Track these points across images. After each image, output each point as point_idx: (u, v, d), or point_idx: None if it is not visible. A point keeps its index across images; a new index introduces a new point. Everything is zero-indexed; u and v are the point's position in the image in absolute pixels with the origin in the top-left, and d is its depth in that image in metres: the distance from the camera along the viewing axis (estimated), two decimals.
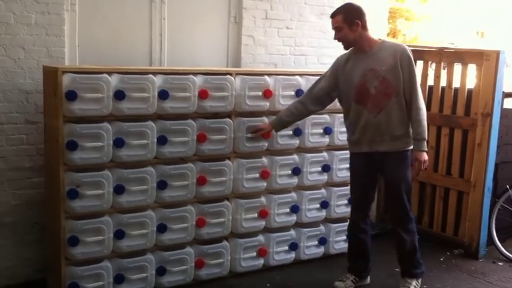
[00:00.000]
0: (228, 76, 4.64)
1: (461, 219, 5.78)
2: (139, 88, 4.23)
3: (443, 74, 5.96)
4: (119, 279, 4.32)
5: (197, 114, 4.54)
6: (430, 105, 5.95)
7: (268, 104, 4.83)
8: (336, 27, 4.38)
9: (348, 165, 4.87)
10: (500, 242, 5.69)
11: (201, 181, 4.57)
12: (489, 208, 5.62)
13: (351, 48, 4.46)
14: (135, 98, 4.22)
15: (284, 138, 4.92)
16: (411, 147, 4.40)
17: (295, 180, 5.06)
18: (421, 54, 6.06)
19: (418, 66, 6.06)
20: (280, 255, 5.09)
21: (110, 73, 4.15)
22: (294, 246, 5.12)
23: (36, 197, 4.50)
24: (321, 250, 5.32)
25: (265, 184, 4.91)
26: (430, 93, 6.00)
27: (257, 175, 4.84)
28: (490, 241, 5.67)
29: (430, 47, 6.43)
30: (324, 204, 5.23)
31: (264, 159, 4.87)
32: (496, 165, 5.67)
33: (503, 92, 5.55)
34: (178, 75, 4.43)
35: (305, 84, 4.96)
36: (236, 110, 4.70)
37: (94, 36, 4.71)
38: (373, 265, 4.86)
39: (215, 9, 5.29)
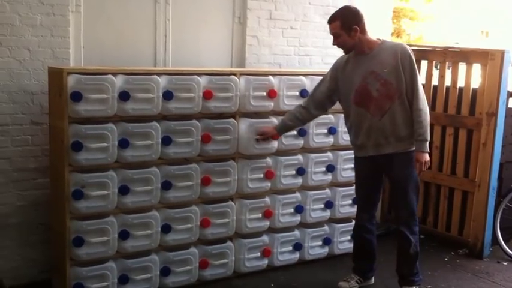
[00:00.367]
0: (233, 76, 4.64)
1: (466, 219, 5.77)
2: (144, 89, 4.24)
3: (448, 73, 5.95)
4: (124, 279, 4.32)
5: (201, 114, 4.55)
6: (434, 105, 5.95)
7: (272, 104, 4.83)
8: (334, 34, 4.34)
9: (352, 165, 4.87)
10: (505, 242, 5.68)
11: (206, 181, 4.58)
12: (494, 208, 5.61)
13: None
14: (139, 99, 4.23)
15: (288, 138, 4.92)
16: None
17: (299, 181, 5.07)
18: (425, 53, 6.06)
19: (423, 66, 6.06)
20: (285, 255, 5.09)
21: (114, 74, 4.16)
22: (298, 247, 5.12)
23: (41, 198, 4.51)
24: (325, 250, 5.32)
25: (269, 184, 4.91)
26: (434, 93, 5.99)
27: (261, 175, 4.84)
28: (495, 241, 5.66)
29: (435, 47, 6.42)
30: (329, 205, 5.23)
31: (269, 160, 4.88)
32: (501, 165, 5.66)
33: (508, 91, 5.54)
34: (182, 75, 4.44)
35: (309, 84, 4.96)
36: (240, 111, 4.70)
37: (99, 37, 4.72)
38: (378, 265, 4.85)
39: (219, 9, 5.29)
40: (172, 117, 4.43)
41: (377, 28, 5.20)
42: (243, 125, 4.71)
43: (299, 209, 5.07)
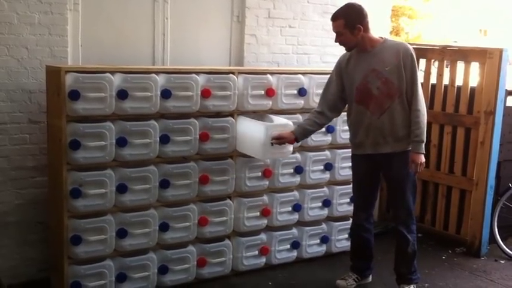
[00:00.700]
0: (231, 75, 4.64)
1: (464, 218, 5.78)
2: (142, 87, 4.24)
3: (446, 72, 5.96)
4: (121, 278, 4.33)
5: (200, 113, 4.55)
6: (433, 103, 5.96)
7: (270, 102, 4.83)
8: (336, 32, 4.32)
9: (350, 164, 4.88)
10: (503, 240, 5.69)
11: (204, 180, 4.58)
12: (491, 206, 5.62)
13: None
14: (137, 97, 4.23)
15: None
16: None
17: (297, 179, 5.07)
18: (424, 52, 6.06)
19: (421, 65, 6.07)
20: (283, 253, 5.10)
21: (112, 72, 4.16)
22: (296, 245, 5.13)
23: (39, 197, 4.51)
24: (323, 248, 5.33)
25: (267, 183, 4.92)
26: (432, 91, 6.00)
27: (259, 174, 4.85)
28: (492, 239, 5.67)
29: (433, 45, 6.43)
30: (326, 203, 5.23)
31: None
32: (499, 164, 5.66)
33: (506, 90, 5.54)
34: (181, 74, 4.44)
35: (308, 82, 4.97)
36: (239, 109, 4.70)
37: (97, 36, 4.72)
38: (375, 263, 4.86)
39: (218, 8, 5.29)
40: (171, 115, 4.43)
41: (375, 26, 5.17)
42: (262, 129, 4.53)
43: (297, 208, 5.08)
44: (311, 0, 5.69)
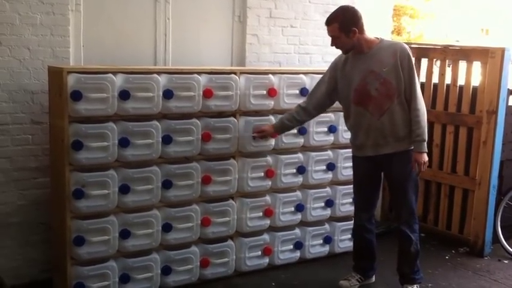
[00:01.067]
0: (233, 75, 4.64)
1: (467, 217, 5.77)
2: (144, 88, 4.24)
3: (448, 71, 5.95)
4: (125, 278, 4.33)
5: (202, 113, 4.54)
6: (435, 103, 5.95)
7: (272, 102, 4.83)
8: (332, 36, 4.32)
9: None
10: (506, 240, 5.68)
11: (206, 180, 4.58)
12: (494, 206, 5.61)
13: None
14: (139, 98, 4.23)
15: (289, 137, 4.92)
16: None
17: (300, 179, 5.07)
18: (425, 51, 6.05)
19: (423, 64, 6.06)
20: (285, 254, 5.10)
21: (114, 73, 4.16)
22: (299, 245, 5.12)
23: (42, 197, 4.51)
24: (326, 249, 5.32)
25: (270, 183, 4.91)
26: (435, 91, 5.99)
27: (262, 174, 4.84)
28: (496, 239, 5.66)
29: (435, 45, 6.42)
30: (329, 203, 5.23)
31: (269, 158, 4.88)
32: (501, 163, 5.66)
33: (509, 89, 5.54)
34: (182, 74, 4.44)
35: (310, 82, 4.96)
36: (241, 109, 4.70)
37: (99, 37, 4.72)
38: (378, 264, 4.85)
39: (219, 8, 5.29)
40: (173, 116, 4.43)
41: (377, 26, 5.20)
42: (241, 123, 4.71)
43: (300, 208, 5.07)
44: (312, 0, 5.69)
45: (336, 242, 5.34)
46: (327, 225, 5.29)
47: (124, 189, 4.24)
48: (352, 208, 5.21)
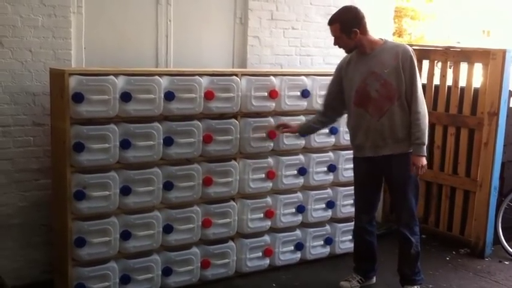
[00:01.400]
0: (234, 77, 4.65)
1: (468, 219, 5.77)
2: (145, 90, 4.25)
3: (450, 73, 5.95)
4: (125, 279, 4.33)
5: (203, 115, 4.55)
6: (436, 104, 5.96)
7: (274, 104, 4.84)
8: (334, 36, 4.33)
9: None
10: (507, 241, 5.68)
11: (207, 182, 4.58)
12: (495, 207, 5.61)
13: None
14: (141, 100, 4.23)
15: (289, 138, 4.93)
16: None
17: (301, 181, 5.07)
18: (427, 53, 6.06)
19: (424, 66, 6.06)
20: (286, 255, 5.10)
21: (116, 75, 4.17)
22: (299, 246, 5.13)
23: (43, 199, 4.52)
24: (327, 250, 5.33)
25: (271, 184, 4.92)
26: (436, 92, 5.99)
27: (263, 175, 4.85)
28: (497, 240, 5.66)
29: (436, 46, 6.42)
30: (330, 204, 5.23)
31: (270, 160, 4.88)
32: (503, 164, 5.66)
33: (510, 90, 5.54)
34: (184, 76, 4.45)
35: (311, 84, 4.97)
36: (242, 111, 4.71)
37: (100, 38, 4.73)
38: (379, 265, 4.86)
39: (221, 10, 5.30)
40: (174, 117, 4.44)
41: (378, 28, 5.19)
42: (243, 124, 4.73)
43: (300, 209, 5.07)
44: (314, 1, 5.69)
45: (337, 243, 5.34)
46: (327, 227, 5.30)
47: (125, 191, 4.25)
48: (353, 209, 5.21)
